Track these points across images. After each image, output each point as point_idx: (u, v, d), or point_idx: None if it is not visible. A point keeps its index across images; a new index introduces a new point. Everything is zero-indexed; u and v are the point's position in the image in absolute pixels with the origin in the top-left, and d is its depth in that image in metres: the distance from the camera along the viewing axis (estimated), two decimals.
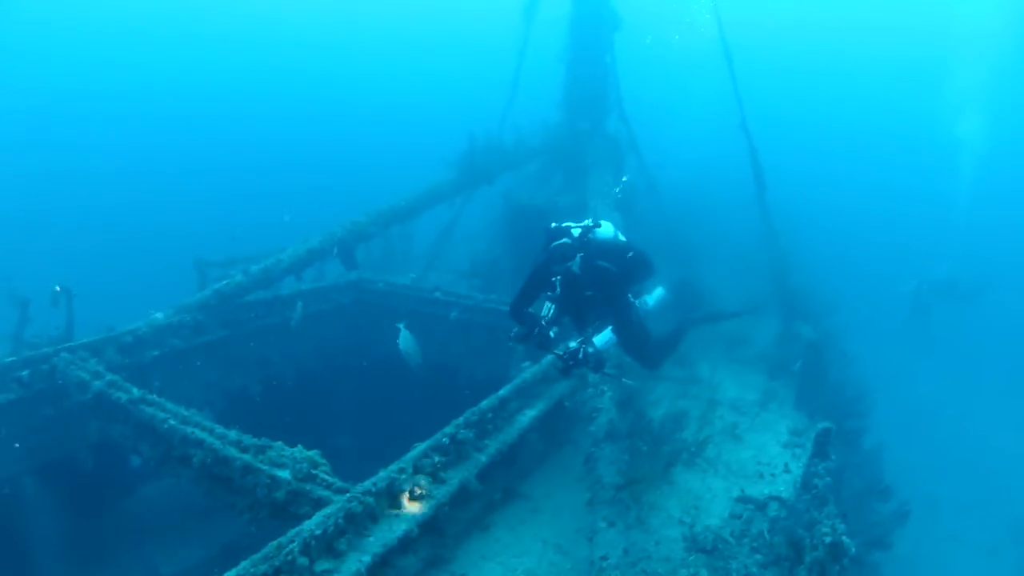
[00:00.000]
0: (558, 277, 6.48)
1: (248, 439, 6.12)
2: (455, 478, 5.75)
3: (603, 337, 6.61)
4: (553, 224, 6.66)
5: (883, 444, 12.35)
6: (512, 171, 14.20)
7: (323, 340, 11.85)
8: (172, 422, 6.56)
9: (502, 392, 6.74)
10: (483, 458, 6.07)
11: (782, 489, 7.19)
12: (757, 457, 8.00)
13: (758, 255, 12.91)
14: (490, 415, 6.45)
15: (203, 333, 9.99)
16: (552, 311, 6.63)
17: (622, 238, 7.38)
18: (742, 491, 6.91)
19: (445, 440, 5.89)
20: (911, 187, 41.17)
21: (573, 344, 6.45)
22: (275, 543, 4.53)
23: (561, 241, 6.33)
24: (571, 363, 6.34)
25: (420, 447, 5.78)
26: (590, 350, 6.35)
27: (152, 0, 53.39)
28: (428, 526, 5.38)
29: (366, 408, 12.19)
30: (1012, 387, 22.82)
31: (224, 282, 10.31)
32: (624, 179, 13.23)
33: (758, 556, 5.61)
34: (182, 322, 9.68)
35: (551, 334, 6.51)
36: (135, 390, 7.22)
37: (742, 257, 13.62)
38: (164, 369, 9.45)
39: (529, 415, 6.88)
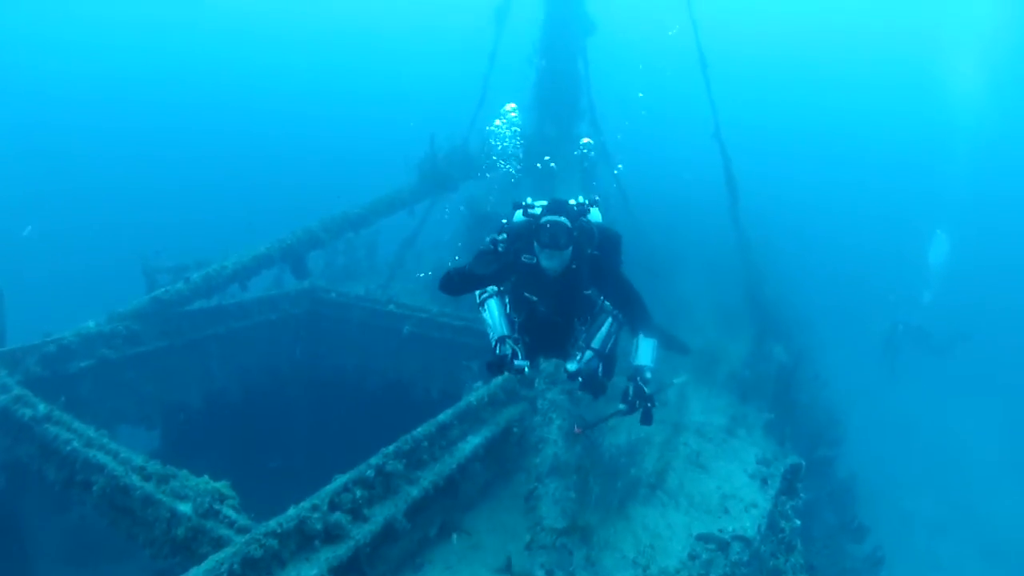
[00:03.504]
0: (545, 269, 4.66)
1: (153, 465, 5.51)
2: (380, 515, 5.16)
3: (646, 349, 4.79)
4: (529, 200, 4.93)
5: (856, 475, 11.90)
6: (477, 177, 13.65)
7: (272, 352, 11.23)
8: (75, 444, 5.94)
9: (441, 417, 6.16)
10: (415, 492, 5.48)
11: (747, 526, 6.69)
12: (722, 489, 7.50)
13: (732, 268, 12.52)
14: (426, 443, 5.87)
15: (138, 343, 9.37)
16: (517, 320, 5.01)
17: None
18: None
19: (370, 472, 5.30)
20: (900, 199, 41.05)
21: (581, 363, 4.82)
22: None
23: (558, 219, 4.55)
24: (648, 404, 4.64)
25: (339, 480, 5.18)
26: (648, 375, 4.70)
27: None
28: (346, 569, 4.78)
29: (315, 425, 11.57)
30: (989, 404, 22.71)
31: (162, 289, 9.67)
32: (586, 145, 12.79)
33: None
34: (115, 331, 9.05)
35: (523, 358, 4.81)
36: (42, 406, 6.58)
37: (716, 270, 13.24)
38: (93, 381, 8.80)
39: (473, 443, 6.31)
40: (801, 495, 6.80)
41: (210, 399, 10.49)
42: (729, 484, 7.61)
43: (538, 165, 12.80)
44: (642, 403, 4.58)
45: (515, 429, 6.76)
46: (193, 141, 43.64)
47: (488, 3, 15.23)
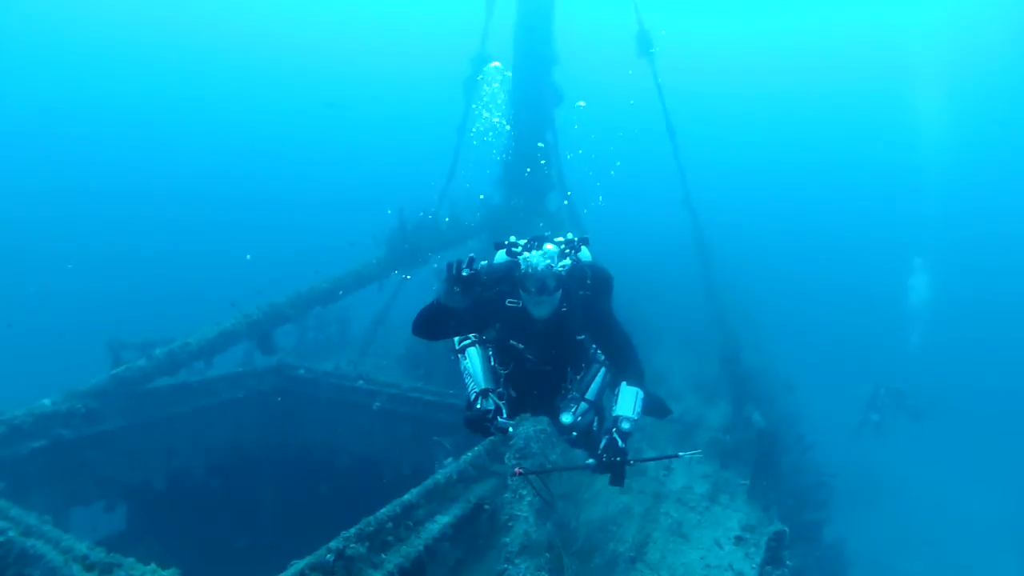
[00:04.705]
0: (532, 314, 4.29)
1: (97, 553, 5.15)
2: None
3: (627, 399, 4.28)
4: (513, 238, 4.46)
5: (844, 537, 11.61)
6: (447, 250, 13.51)
7: (238, 430, 10.89)
8: (11, 533, 5.56)
9: (407, 497, 5.86)
10: None
11: None
12: (706, 559, 7.22)
13: (708, 335, 12.42)
14: (390, 524, 5.55)
15: (97, 422, 9.05)
16: (503, 373, 4.56)
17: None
18: None
19: (329, 557, 4.97)
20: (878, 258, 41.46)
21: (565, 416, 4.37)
22: None
23: (541, 262, 4.12)
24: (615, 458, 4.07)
25: (296, 566, 4.86)
26: (626, 427, 4.15)
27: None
28: None
29: (285, 505, 11.18)
30: (975, 459, 22.61)
31: (123, 367, 9.39)
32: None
33: None
34: (72, 410, 8.72)
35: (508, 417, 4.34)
36: None
37: (692, 334, 13.14)
38: (47, 463, 8.41)
39: (441, 522, 5.99)
40: (787, 563, 6.51)
41: (175, 479, 10.13)
42: (713, 554, 7.34)
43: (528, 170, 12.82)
44: (611, 458, 4.01)
45: (486, 506, 6.46)
46: (164, 204, 43.53)
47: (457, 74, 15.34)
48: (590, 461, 4.10)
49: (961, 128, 44.73)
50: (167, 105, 55.73)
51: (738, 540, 7.51)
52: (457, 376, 4.67)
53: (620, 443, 4.06)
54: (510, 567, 5.20)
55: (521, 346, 4.41)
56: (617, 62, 14.52)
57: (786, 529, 6.29)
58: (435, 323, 4.21)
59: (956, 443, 23.33)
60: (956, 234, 40.15)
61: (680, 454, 4.42)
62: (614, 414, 4.21)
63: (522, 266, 4.17)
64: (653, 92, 13.96)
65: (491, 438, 7.00)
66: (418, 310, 4.28)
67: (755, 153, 54.28)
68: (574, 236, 4.58)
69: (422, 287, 13.94)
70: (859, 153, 51.88)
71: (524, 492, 5.90)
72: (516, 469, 4.30)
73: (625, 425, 4.13)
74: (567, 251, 4.38)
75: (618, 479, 4.07)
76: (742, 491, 8.93)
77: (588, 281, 4.46)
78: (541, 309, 4.23)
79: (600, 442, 4.16)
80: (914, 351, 24.66)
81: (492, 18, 15.09)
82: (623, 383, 4.34)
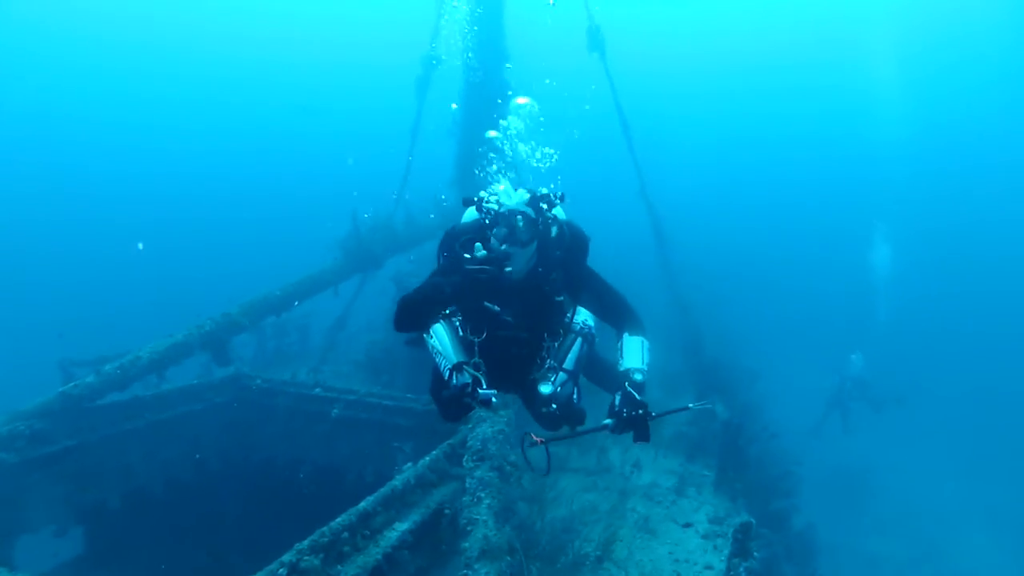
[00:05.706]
0: (506, 273, 3.92)
1: None
2: None
3: (633, 349, 4.05)
4: (483, 194, 4.14)
5: (814, 525, 11.64)
6: (403, 253, 13.32)
7: (196, 444, 10.61)
8: None
9: (363, 505, 5.70)
10: None
11: None
12: (674, 554, 7.17)
13: (672, 325, 12.40)
14: (346, 534, 5.39)
15: (45, 443, 8.70)
16: (476, 341, 4.11)
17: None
18: None
19: (282, 571, 4.81)
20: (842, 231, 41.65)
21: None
22: None
23: (518, 208, 3.93)
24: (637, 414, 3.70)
25: None
26: (638, 378, 3.86)
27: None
28: None
29: (247, 519, 10.93)
30: (941, 441, 22.89)
31: (71, 384, 9.09)
32: None
33: None
34: (15, 432, 8.39)
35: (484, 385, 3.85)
36: None
37: (656, 328, 13.08)
38: None
39: (400, 529, 5.84)
40: (755, 554, 6.44)
41: (133, 497, 9.84)
42: (681, 548, 7.30)
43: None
44: (631, 412, 3.64)
45: (447, 511, 6.32)
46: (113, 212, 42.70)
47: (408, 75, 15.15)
48: (607, 421, 3.74)
49: (915, 97, 45.13)
50: (120, 110, 54.68)
51: (708, 538, 7.48)
52: (418, 380, 4.48)
53: (637, 396, 3.73)
54: (470, 572, 5.07)
55: (497, 308, 4.08)
56: None
57: (752, 520, 6.23)
58: (425, 310, 4.01)
59: (923, 423, 23.62)
60: (915, 205, 40.55)
61: (690, 405, 4.19)
62: (622, 368, 3.92)
63: (494, 211, 3.95)
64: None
65: (448, 441, 6.89)
66: (396, 308, 4.03)
67: (709, 130, 54.15)
68: (549, 192, 4.20)
69: (381, 293, 13.76)
70: (814, 129, 52.09)
71: (482, 495, 5.77)
72: (537, 439, 3.83)
73: (638, 377, 3.84)
74: (542, 206, 4.07)
75: (642, 434, 3.71)
76: (709, 483, 8.89)
77: (566, 240, 4.18)
78: (514, 261, 3.93)
79: (612, 401, 3.82)
80: (881, 328, 24.81)
81: (442, 17, 14.90)
82: (625, 334, 4.09)
